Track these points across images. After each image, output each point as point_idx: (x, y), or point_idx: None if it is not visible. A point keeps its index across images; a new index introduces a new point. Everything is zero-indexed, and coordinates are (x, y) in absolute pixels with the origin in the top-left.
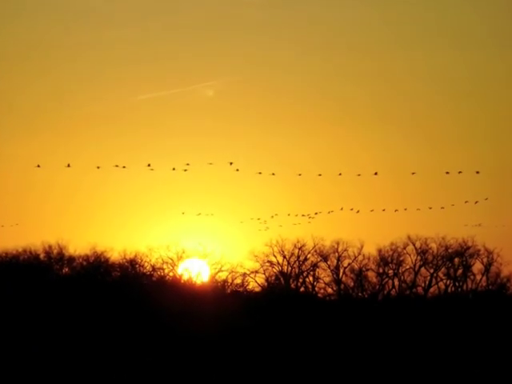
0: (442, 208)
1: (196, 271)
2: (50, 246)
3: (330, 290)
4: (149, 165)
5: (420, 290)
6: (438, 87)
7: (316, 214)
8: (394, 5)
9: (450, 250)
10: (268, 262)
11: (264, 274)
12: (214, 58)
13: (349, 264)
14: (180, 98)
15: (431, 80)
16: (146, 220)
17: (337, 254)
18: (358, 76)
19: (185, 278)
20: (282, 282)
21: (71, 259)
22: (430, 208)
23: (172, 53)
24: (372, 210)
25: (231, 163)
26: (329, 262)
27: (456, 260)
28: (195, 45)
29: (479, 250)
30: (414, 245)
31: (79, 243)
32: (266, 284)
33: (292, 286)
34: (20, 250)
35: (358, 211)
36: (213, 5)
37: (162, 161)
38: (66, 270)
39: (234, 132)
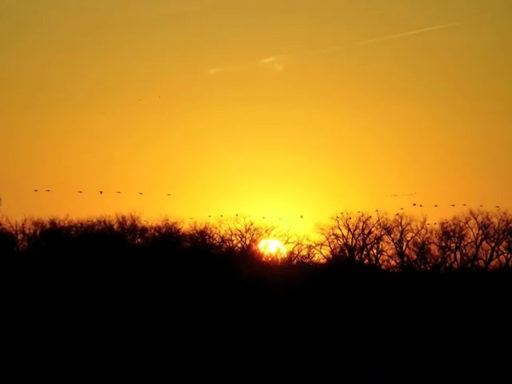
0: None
1: (264, 243)
2: (123, 217)
3: (393, 263)
4: None
5: (481, 263)
6: None
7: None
8: None
9: (511, 225)
10: (333, 234)
11: (329, 246)
12: (282, 32)
13: (412, 237)
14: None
15: None
16: (215, 190)
17: (400, 227)
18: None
19: (253, 249)
20: (347, 254)
21: (144, 230)
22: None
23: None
24: None
25: None
26: (392, 236)
27: None
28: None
29: None
30: (475, 219)
31: (151, 214)
32: (331, 256)
33: (356, 258)
34: (95, 220)
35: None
36: None
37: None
38: (139, 240)
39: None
